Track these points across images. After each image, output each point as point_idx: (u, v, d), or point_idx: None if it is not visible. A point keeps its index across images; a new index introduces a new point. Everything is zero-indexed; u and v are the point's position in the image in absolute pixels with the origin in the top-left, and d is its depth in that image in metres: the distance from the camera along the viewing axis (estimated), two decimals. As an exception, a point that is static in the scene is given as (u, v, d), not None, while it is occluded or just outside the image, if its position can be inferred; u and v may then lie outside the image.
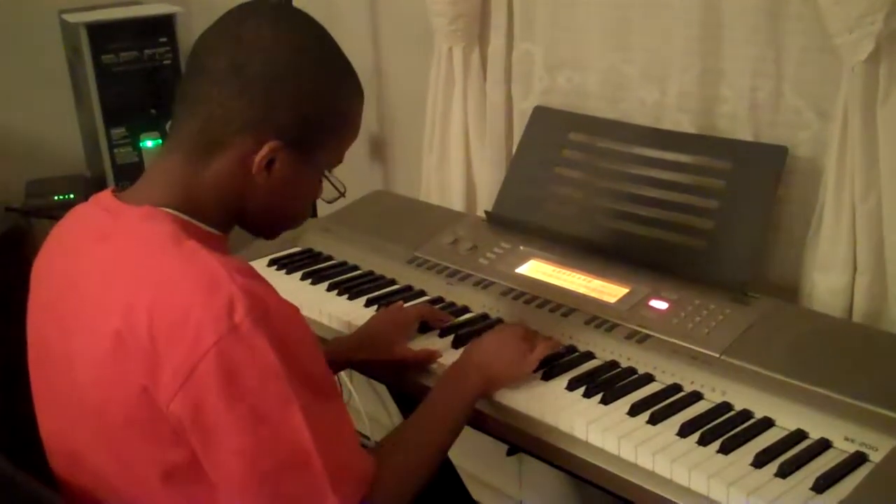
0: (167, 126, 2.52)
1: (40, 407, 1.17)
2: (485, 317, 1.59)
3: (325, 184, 1.18)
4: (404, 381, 1.48)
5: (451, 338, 1.50)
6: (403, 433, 1.23)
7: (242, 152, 1.08)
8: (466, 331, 1.52)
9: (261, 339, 0.97)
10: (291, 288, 1.76)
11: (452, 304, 1.64)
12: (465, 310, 1.62)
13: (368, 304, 1.67)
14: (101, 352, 1.01)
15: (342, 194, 1.20)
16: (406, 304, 1.61)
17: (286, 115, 1.08)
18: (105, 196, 1.14)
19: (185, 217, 1.09)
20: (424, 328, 1.55)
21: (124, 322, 0.99)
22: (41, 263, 1.18)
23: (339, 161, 1.17)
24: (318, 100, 1.10)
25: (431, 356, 1.46)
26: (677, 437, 1.23)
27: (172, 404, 0.97)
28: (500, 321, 1.57)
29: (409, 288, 1.73)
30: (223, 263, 1.01)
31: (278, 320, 1.01)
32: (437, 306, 1.62)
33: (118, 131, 2.52)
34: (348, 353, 1.49)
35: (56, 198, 2.60)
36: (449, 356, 1.43)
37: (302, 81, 1.09)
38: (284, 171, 1.10)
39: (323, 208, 2.07)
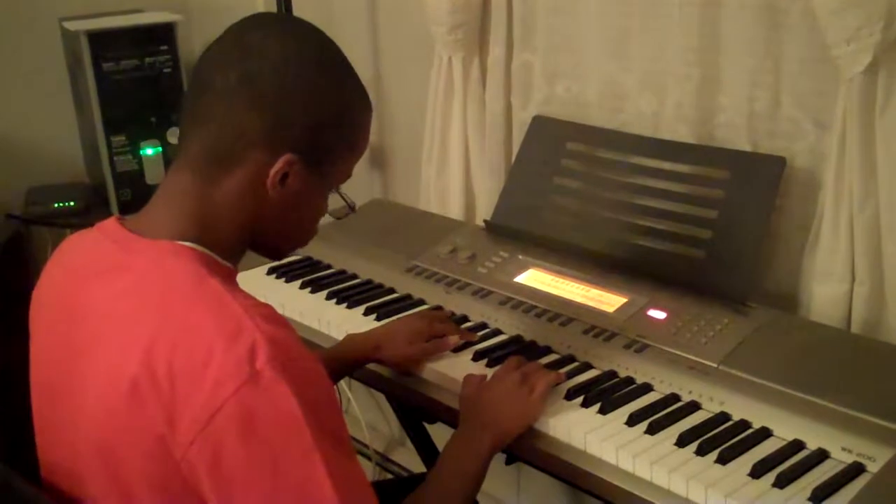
0: (167, 133, 2.53)
1: (42, 436, 1.14)
2: (483, 325, 1.60)
3: (332, 198, 1.15)
4: (404, 389, 1.49)
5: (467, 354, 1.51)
6: (422, 500, 1.21)
7: (256, 167, 1.05)
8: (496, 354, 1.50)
9: (283, 387, 0.93)
10: (291, 296, 1.76)
11: (451, 314, 1.64)
12: (465, 319, 1.62)
13: (367, 312, 1.67)
14: (116, 396, 0.97)
15: (352, 209, 1.18)
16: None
17: (299, 128, 1.05)
18: (111, 225, 1.10)
19: (205, 251, 1.06)
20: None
21: (143, 367, 0.96)
22: (43, 291, 1.15)
23: (348, 176, 1.15)
24: (331, 111, 1.08)
25: (444, 345, 1.50)
26: (675, 447, 1.23)
27: (189, 452, 0.94)
28: (498, 331, 1.57)
29: (408, 297, 1.73)
30: (246, 308, 0.98)
31: (301, 369, 0.97)
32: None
33: (118, 139, 2.52)
34: (365, 352, 1.50)
35: (56, 205, 2.60)
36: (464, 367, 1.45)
37: (314, 92, 1.06)
38: (297, 185, 1.07)
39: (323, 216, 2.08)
